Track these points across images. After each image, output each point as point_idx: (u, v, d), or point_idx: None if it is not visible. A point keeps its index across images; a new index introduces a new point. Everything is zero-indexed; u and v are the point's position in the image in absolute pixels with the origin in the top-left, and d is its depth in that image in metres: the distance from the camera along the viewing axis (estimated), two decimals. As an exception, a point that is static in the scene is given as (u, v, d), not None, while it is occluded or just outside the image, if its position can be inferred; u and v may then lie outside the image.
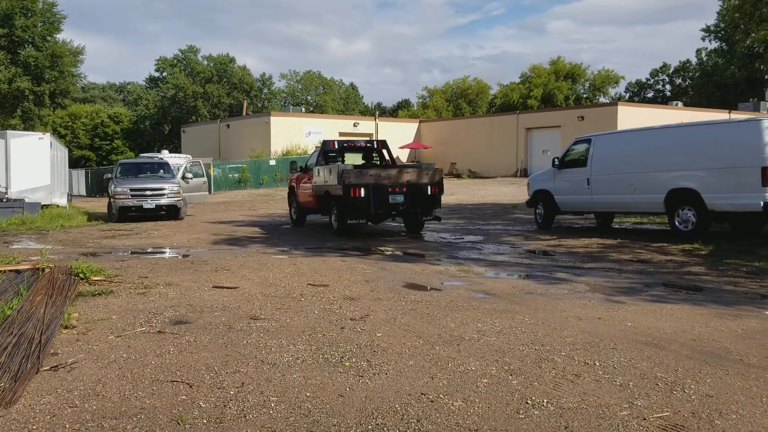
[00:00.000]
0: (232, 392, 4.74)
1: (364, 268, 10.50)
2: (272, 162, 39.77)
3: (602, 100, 72.39)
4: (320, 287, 8.79)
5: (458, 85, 74.14)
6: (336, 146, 16.90)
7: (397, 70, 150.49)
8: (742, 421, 4.06)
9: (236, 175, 38.40)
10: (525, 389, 4.69)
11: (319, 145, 19.12)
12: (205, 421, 4.23)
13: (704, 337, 6.07)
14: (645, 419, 4.11)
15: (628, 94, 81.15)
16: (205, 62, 72.31)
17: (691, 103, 62.75)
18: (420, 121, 53.46)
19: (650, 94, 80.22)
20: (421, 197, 14.47)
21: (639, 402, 4.41)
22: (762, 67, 58.93)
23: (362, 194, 13.97)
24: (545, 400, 4.46)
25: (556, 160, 16.29)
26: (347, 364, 5.37)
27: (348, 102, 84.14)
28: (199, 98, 67.91)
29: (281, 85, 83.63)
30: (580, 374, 5.01)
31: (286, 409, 4.40)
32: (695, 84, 73.53)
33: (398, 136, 47.79)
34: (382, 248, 12.90)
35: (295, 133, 43.42)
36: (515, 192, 29.37)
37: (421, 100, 78.25)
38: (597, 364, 5.26)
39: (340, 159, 16.87)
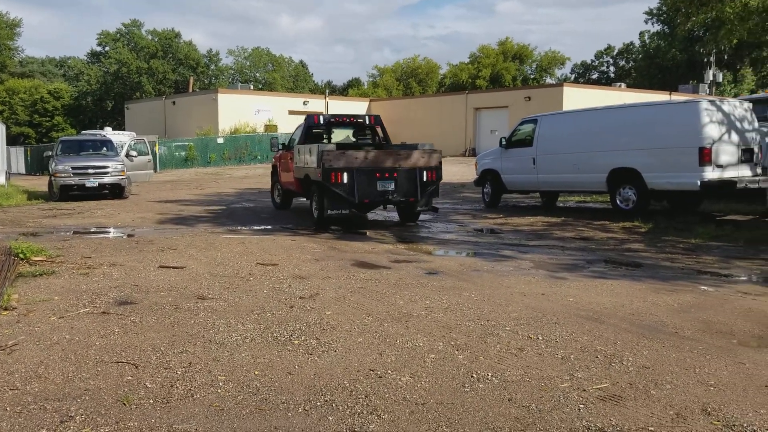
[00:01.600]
0: (179, 372, 4.71)
1: (313, 247, 10.49)
2: (220, 140, 39.11)
3: (549, 81, 73.40)
4: (269, 266, 8.75)
5: (408, 64, 74.02)
6: (321, 121, 14.66)
7: (348, 49, 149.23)
8: (676, 391, 4.25)
9: (183, 154, 37.64)
10: (471, 363, 4.80)
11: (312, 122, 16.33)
12: (151, 401, 4.19)
13: (642, 311, 6.30)
14: (585, 390, 4.27)
15: (573, 75, 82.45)
16: (150, 37, 70.24)
17: (634, 84, 64.14)
18: (370, 100, 53.27)
19: (595, 76, 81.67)
20: (415, 184, 12.32)
21: (579, 374, 4.57)
22: (701, 50, 60.56)
23: (345, 180, 11.82)
24: (490, 374, 4.58)
25: (503, 140, 16.51)
26: (296, 342, 5.38)
27: (297, 80, 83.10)
28: (143, 74, 66.03)
29: (229, 61, 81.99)
30: (523, 348, 5.15)
31: (234, 388, 4.40)
32: (638, 66, 75.14)
33: (348, 115, 47.55)
34: (333, 227, 12.88)
35: (244, 111, 42.72)
36: (464, 171, 29.63)
37: (371, 79, 77.90)
38: (540, 338, 5.41)
39: (327, 137, 14.87)
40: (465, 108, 42.93)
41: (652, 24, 69.80)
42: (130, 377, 4.62)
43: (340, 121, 14.96)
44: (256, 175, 30.60)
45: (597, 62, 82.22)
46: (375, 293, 7.12)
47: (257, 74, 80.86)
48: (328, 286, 7.51)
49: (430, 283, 7.63)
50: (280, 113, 44.64)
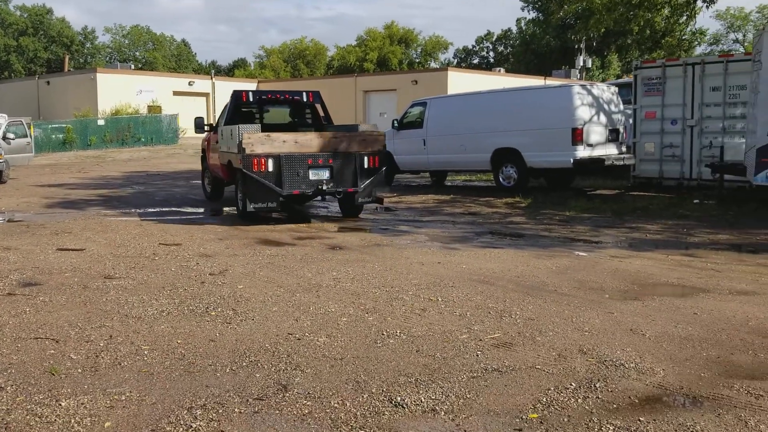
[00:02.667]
0: (101, 344, 4.88)
1: (215, 227, 10.63)
2: (101, 122, 37.39)
3: (433, 65, 75.31)
4: (173, 246, 8.85)
5: (296, 45, 73.59)
6: (251, 98, 12.69)
7: (232, 28, 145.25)
8: (557, 337, 4.93)
9: (60, 136, 35.69)
10: (380, 324, 5.28)
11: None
12: (80, 370, 4.37)
13: (526, 274, 7.04)
14: (481, 340, 4.86)
15: (456, 60, 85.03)
16: (18, 13, 65.58)
17: (512, 69, 67.08)
18: (258, 81, 52.64)
19: (476, 60, 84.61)
20: (354, 172, 10.66)
21: (475, 327, 5.17)
22: (573, 37, 64.26)
23: (270, 168, 10.16)
24: (398, 331, 5.08)
25: (395, 122, 17.12)
26: (213, 313, 5.66)
27: (180, 60, 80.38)
28: (12, 52, 61.68)
29: (106, 39, 78.19)
30: (426, 308, 5.70)
31: (160, 355, 4.65)
32: (515, 52, 78.50)
33: (235, 97, 46.82)
34: (229, 208, 12.98)
35: (125, 92, 41.00)
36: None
37: (258, 60, 76.78)
38: (439, 299, 5.98)
39: (258, 116, 12.98)
40: (354, 91, 43.45)
41: (528, 11, 73.10)
42: (53, 351, 4.75)
43: (274, 98, 13.14)
44: (141, 158, 29.69)
45: (478, 47, 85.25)
46: (283, 267, 7.46)
47: (137, 53, 77.52)
48: (236, 262, 7.77)
49: (335, 257, 8.06)
50: (164, 94, 43.27)
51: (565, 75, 52.05)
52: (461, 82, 38.03)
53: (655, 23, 19.83)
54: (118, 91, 40.64)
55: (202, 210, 13.10)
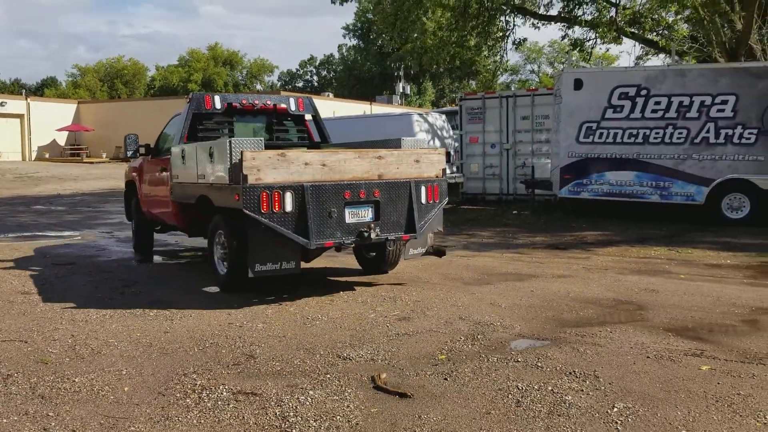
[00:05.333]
0: (69, 341, 5.68)
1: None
2: None
3: (258, 87, 76.13)
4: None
5: (113, 64, 70.83)
6: (218, 105, 8.80)
7: (35, 44, 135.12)
8: (441, 311, 6.52)
9: None
10: (301, 311, 6.56)
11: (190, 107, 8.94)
12: (67, 359, 5.20)
13: (403, 271, 8.63)
14: (386, 317, 6.33)
15: (280, 83, 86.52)
16: None
17: (336, 93, 69.98)
18: (79, 102, 50.29)
19: (300, 84, 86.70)
20: (409, 209, 7.31)
21: (378, 309, 6.63)
22: (392, 64, 68.54)
23: (287, 206, 6.60)
24: (319, 315, 6.40)
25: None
26: (152, 314, 6.59)
27: (-22, 77, 73.88)
28: None
29: None
30: (333, 300, 7.06)
31: (130, 345, 5.57)
32: (338, 76, 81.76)
33: (55, 118, 44.52)
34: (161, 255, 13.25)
35: None
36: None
37: (71, 79, 72.71)
38: (341, 292, 7.37)
39: (227, 131, 8.97)
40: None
41: (350, 38, 76.66)
42: (30, 349, 5.49)
43: (250, 106, 9.10)
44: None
45: (302, 71, 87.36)
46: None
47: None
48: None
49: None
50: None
51: (387, 100, 55.50)
52: (293, 106, 39.44)
53: (465, 57, 22.63)
54: None
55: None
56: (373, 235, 6.99)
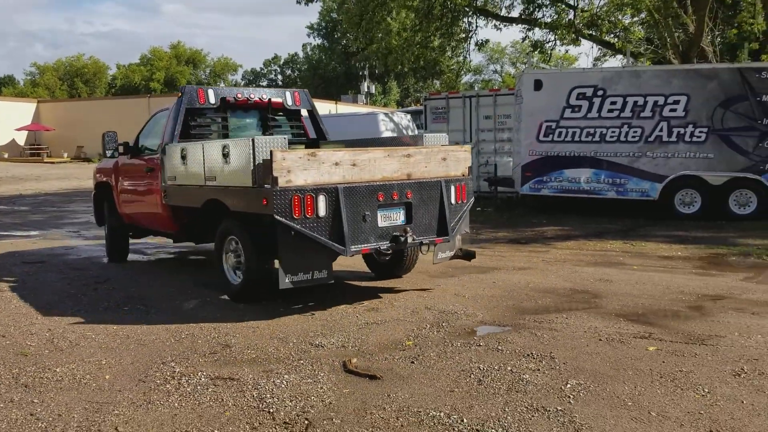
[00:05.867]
0: (47, 335, 5.84)
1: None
2: None
3: (222, 86, 75.69)
4: (38, 263, 9.42)
5: (72, 63, 69.62)
6: (212, 100, 8.20)
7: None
8: (408, 302, 6.82)
9: None
10: (274, 304, 6.81)
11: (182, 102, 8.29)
12: (47, 351, 5.37)
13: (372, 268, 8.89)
14: (356, 308, 6.60)
15: (244, 82, 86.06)
16: None
17: (302, 92, 69.90)
18: (39, 101, 49.44)
19: (264, 83, 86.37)
20: (440, 210, 6.98)
21: (347, 300, 6.90)
22: (357, 64, 68.80)
23: (321, 210, 6.13)
24: (290, 307, 6.65)
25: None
26: (126, 308, 6.76)
27: (-69, 75, 71.93)
28: None
29: None
30: (303, 292, 7.32)
31: (108, 337, 5.75)
32: (303, 76, 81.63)
33: (14, 117, 43.70)
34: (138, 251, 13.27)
35: None
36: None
37: (29, 78, 71.28)
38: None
39: (221, 129, 8.45)
40: (147, 112, 42.80)
41: (314, 38, 76.64)
42: (7, 342, 5.63)
43: (245, 100, 8.47)
44: None
45: (266, 70, 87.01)
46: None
47: None
48: (113, 272, 8.68)
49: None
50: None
51: (352, 99, 55.73)
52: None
53: (429, 58, 23.04)
54: None
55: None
56: (409, 240, 6.60)
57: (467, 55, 20.52)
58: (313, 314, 6.37)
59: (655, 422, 3.82)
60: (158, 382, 4.64)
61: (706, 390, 4.27)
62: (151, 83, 65.40)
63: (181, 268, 9.08)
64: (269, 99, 8.66)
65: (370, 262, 8.13)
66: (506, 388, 4.37)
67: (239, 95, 8.42)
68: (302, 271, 6.18)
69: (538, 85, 13.89)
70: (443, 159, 7.06)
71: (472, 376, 4.60)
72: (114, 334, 5.84)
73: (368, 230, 6.43)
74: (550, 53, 21.50)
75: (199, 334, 5.78)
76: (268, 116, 8.75)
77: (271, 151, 5.93)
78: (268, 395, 4.33)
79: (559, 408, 4.02)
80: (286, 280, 6.10)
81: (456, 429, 3.78)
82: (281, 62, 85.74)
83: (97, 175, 9.94)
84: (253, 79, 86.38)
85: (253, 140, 6.13)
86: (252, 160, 6.13)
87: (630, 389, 4.32)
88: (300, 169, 6.05)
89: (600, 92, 13.39)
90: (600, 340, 5.38)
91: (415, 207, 6.76)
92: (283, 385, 4.50)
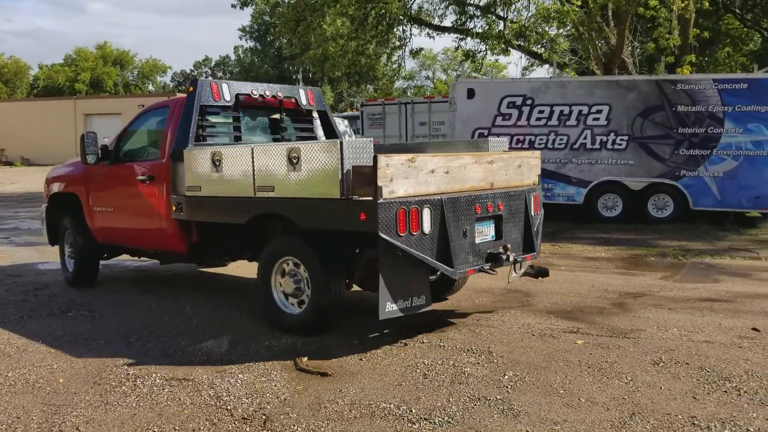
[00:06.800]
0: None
1: None
2: None
3: (150, 88, 74.00)
4: None
5: (-10, 62, 66.50)
6: (226, 97, 7.08)
7: None
8: (352, 303, 7.08)
9: None
10: (223, 306, 6.94)
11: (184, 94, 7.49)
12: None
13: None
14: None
15: (173, 84, 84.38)
16: None
17: (234, 95, 69.08)
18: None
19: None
20: (525, 224, 6.38)
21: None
22: (290, 68, 68.59)
23: (426, 226, 5.33)
24: (237, 311, 6.81)
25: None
26: (70, 315, 6.76)
27: None
28: None
29: None
30: (250, 292, 7.47)
31: (56, 340, 5.77)
32: (235, 78, 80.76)
33: (-74, 118, 41.62)
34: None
35: None
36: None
37: (-57, 77, 67.67)
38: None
39: (232, 128, 7.35)
40: (74, 113, 41.59)
41: (246, 40, 75.91)
42: (-49, 349, 5.58)
43: (259, 98, 7.35)
44: None
45: (196, 72, 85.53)
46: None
47: None
48: (52, 278, 8.59)
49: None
50: None
51: (286, 103, 55.33)
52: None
53: (364, 65, 23.45)
54: None
55: None
56: (511, 258, 5.94)
57: (402, 63, 21.06)
58: (261, 316, 6.56)
59: (584, 407, 4.22)
60: (113, 384, 4.75)
61: (629, 378, 4.71)
62: (76, 84, 63.15)
63: (121, 274, 9.06)
64: (283, 98, 7.58)
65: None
66: (450, 380, 4.70)
67: (253, 91, 7.33)
68: (402, 298, 5.28)
69: (470, 93, 14.41)
70: (519, 166, 6.41)
71: (417, 370, 4.91)
72: (61, 338, 5.87)
73: (467, 248, 5.68)
74: (482, 63, 22.24)
75: (148, 338, 5.88)
76: (280, 116, 7.64)
77: (375, 156, 5.02)
78: (225, 393, 4.52)
79: (498, 397, 4.38)
80: (388, 309, 5.16)
81: (406, 419, 4.07)
82: (212, 64, 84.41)
83: (54, 184, 8.44)
84: (183, 81, 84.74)
85: (341, 143, 5.21)
86: (340, 166, 5.14)
87: (561, 379, 4.72)
88: (402, 177, 5.16)
89: (529, 101, 14.01)
90: (533, 335, 5.79)
91: (505, 220, 6.07)
92: (238, 384, 4.69)
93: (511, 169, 6.29)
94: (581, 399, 4.34)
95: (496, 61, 42.67)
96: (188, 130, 6.71)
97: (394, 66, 21.87)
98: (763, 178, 12.53)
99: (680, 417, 4.04)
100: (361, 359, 5.20)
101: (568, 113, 13.75)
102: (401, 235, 5.10)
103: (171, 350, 5.51)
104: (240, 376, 4.86)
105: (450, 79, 49.48)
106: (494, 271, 6.02)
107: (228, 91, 7.08)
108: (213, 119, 7.14)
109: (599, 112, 13.53)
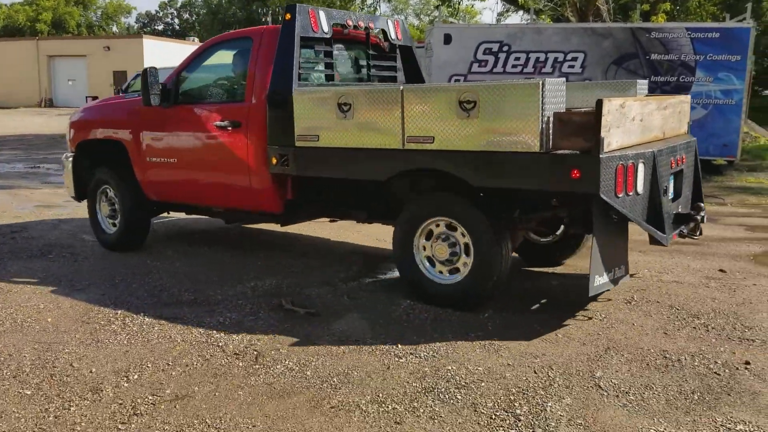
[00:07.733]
0: (-28, 283, 5.81)
1: None
2: None
3: (115, 29, 71.77)
4: None
5: (-56, -1, 63.70)
6: (325, 28, 5.80)
7: None
8: (333, 251, 7.20)
9: None
10: (208, 252, 7.00)
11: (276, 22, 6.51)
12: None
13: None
14: (287, 254, 6.92)
15: (138, 25, 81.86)
16: None
17: (201, 38, 67.40)
18: None
19: (160, 27, 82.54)
20: (693, 181, 5.71)
21: (278, 250, 7.19)
22: (259, 9, 66.87)
23: (639, 185, 4.57)
24: (222, 258, 6.87)
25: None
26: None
27: None
28: None
29: None
30: (240, 242, 7.52)
31: (56, 318, 5.80)
32: (202, 20, 78.48)
33: None
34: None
35: None
36: (47, 122, 29.03)
37: None
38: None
39: (329, 64, 6.09)
40: (37, 55, 40.25)
41: (215, -19, 73.55)
42: (-66, 290, 5.58)
43: (354, 30, 6.27)
44: None
45: (162, 13, 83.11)
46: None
47: None
48: (28, 221, 8.52)
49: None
50: None
51: (255, 47, 54.23)
52: (157, 50, 37.98)
53: (337, 6, 23.11)
54: None
55: None
56: (706, 219, 5.38)
57: (377, 6, 20.67)
58: (258, 259, 6.64)
59: (561, 342, 4.43)
60: (102, 323, 4.82)
61: (603, 316, 4.93)
62: (37, 24, 60.93)
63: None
64: (369, 30, 6.45)
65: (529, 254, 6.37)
66: (432, 319, 4.86)
67: (349, 21, 6.19)
68: (612, 268, 4.68)
69: (447, 39, 14.32)
70: (679, 113, 5.66)
71: (400, 309, 5.06)
72: (45, 279, 5.90)
73: (666, 208, 4.88)
74: (458, 7, 21.99)
75: (133, 279, 5.93)
76: (368, 51, 6.54)
77: (599, 101, 4.20)
78: (215, 331, 4.62)
79: (480, 333, 4.56)
80: (597, 283, 4.56)
81: (392, 353, 4.23)
82: (178, 5, 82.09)
83: (85, 130, 7.13)
84: (148, 22, 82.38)
85: (542, 83, 4.30)
86: (540, 112, 4.31)
87: (539, 317, 4.92)
88: (615, 126, 4.39)
89: (505, 48, 13.99)
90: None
91: (685, 176, 5.42)
92: (226, 323, 4.80)
93: (675, 117, 5.56)
94: (558, 335, 4.55)
95: (472, 6, 42.14)
96: (290, 68, 5.52)
97: (370, 10, 21.49)
98: (730, 126, 12.81)
99: (652, 351, 4.27)
100: (346, 299, 5.33)
101: (544, 60, 13.78)
102: (619, 196, 4.40)
103: (157, 291, 5.58)
104: (228, 314, 4.96)
105: (423, 25, 48.81)
106: (695, 235, 5.24)
107: (326, 20, 5.89)
108: (307, 54, 5.95)
109: (574, 59, 13.59)
